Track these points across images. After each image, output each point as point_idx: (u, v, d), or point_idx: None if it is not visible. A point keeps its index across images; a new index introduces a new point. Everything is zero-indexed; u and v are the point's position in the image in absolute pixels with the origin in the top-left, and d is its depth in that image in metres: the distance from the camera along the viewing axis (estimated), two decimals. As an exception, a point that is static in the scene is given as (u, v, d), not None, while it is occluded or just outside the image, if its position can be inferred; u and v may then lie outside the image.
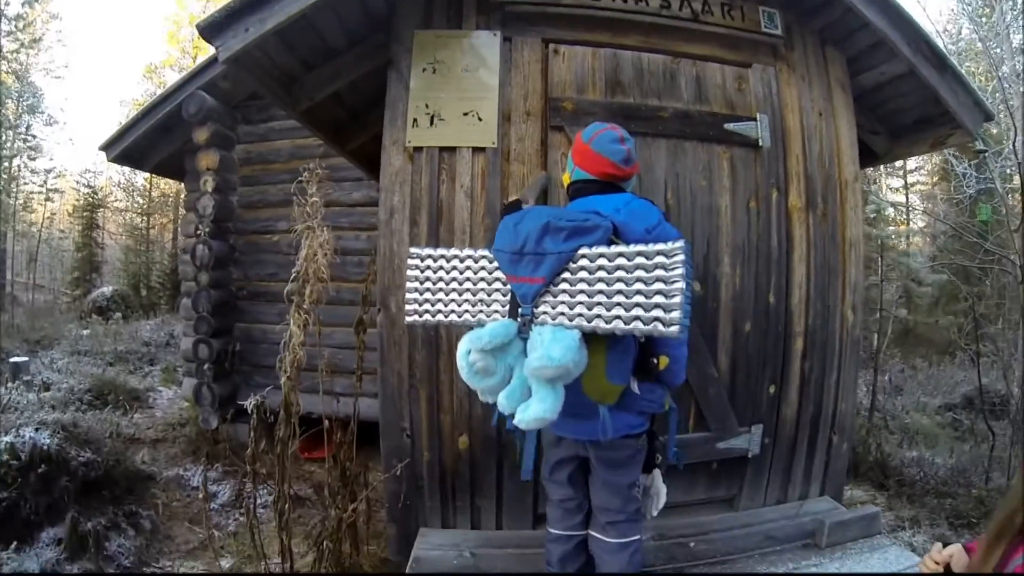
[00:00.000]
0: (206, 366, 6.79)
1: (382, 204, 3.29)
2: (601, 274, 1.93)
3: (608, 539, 2.47)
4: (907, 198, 20.17)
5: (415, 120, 3.28)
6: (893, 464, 6.36)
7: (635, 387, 2.22)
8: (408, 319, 2.36)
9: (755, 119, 3.59)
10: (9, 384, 7.13)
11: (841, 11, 3.68)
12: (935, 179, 19.49)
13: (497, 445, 3.29)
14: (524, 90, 3.39)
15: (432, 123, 3.27)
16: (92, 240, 19.82)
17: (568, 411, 2.01)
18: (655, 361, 2.18)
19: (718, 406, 3.50)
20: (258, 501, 4.21)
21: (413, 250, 2.39)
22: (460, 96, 3.31)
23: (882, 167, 18.50)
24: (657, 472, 2.60)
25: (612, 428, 2.19)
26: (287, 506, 3.62)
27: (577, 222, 2.03)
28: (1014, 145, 7.15)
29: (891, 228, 16.54)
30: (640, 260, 1.86)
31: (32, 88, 19.92)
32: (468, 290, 2.23)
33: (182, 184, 21.04)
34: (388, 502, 3.43)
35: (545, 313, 2.01)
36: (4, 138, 18.45)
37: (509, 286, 2.13)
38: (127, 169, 22.79)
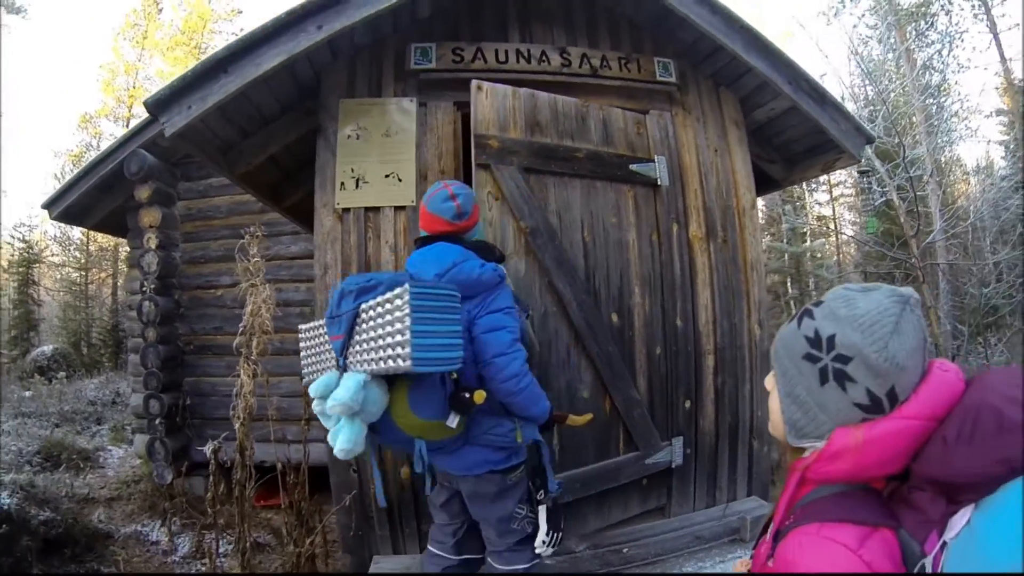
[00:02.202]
0: (158, 421, 6.80)
1: (317, 261, 3.57)
2: (369, 323, 2.19)
3: (496, 565, 2.67)
4: (834, 211, 21.11)
5: (342, 183, 3.59)
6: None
7: (452, 422, 2.26)
8: (304, 382, 2.63)
9: (654, 160, 3.95)
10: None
11: (728, 58, 4.12)
12: (857, 190, 20.49)
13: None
14: (439, 151, 3.72)
15: (358, 185, 3.58)
16: (29, 297, 19.23)
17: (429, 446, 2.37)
18: (467, 396, 2.24)
19: (642, 426, 3.78)
20: (219, 550, 4.34)
21: (300, 326, 2.71)
22: (382, 159, 3.63)
23: (805, 185, 19.44)
24: (541, 508, 2.59)
25: (466, 463, 2.47)
26: (248, 544, 3.79)
27: (361, 284, 2.29)
28: (903, 161, 7.81)
29: (818, 242, 17.44)
30: (383, 307, 2.13)
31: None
32: (323, 351, 2.50)
33: (121, 237, 20.68)
34: (341, 534, 3.65)
35: (351, 363, 2.25)
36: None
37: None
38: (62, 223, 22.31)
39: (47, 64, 54.73)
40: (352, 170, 3.59)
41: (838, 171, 20.21)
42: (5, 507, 4.70)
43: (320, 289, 3.55)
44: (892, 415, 1.01)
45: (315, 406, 2.26)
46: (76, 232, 22.36)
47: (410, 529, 3.62)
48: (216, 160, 3.87)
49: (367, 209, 3.62)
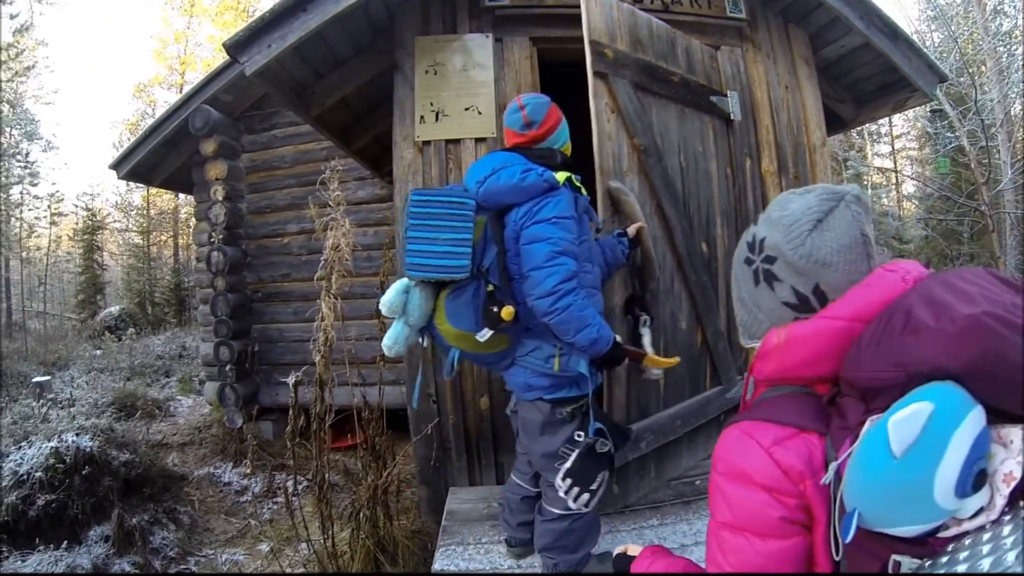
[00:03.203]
0: (228, 367, 7.06)
1: (397, 193, 3.66)
2: None
3: (542, 503, 2.64)
4: (895, 163, 20.50)
5: (422, 117, 3.64)
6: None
7: (482, 335, 2.27)
8: None
9: (727, 95, 3.91)
10: (34, 403, 7.36)
11: (797, -7, 4.02)
12: (921, 143, 19.86)
13: (516, 402, 3.62)
14: (517, 84, 3.73)
15: (437, 119, 3.64)
16: (94, 262, 19.87)
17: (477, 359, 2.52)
18: (495, 309, 2.22)
19: (725, 359, 3.80)
20: (291, 490, 4.49)
21: None
22: (460, 93, 3.67)
23: (867, 135, 18.89)
24: (575, 450, 2.39)
25: (518, 384, 2.50)
26: (326, 477, 3.91)
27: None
28: (976, 104, 7.56)
29: (880, 191, 17.02)
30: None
31: (28, 115, 20.05)
32: None
33: (179, 201, 21.20)
34: (419, 465, 3.76)
35: None
36: (5, 166, 18.62)
37: None
38: (123, 189, 23.02)
39: (100, 39, 55.96)
40: (431, 104, 3.65)
41: (900, 125, 19.70)
42: (88, 449, 4.92)
43: (400, 221, 3.59)
44: (817, 315, 1.02)
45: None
46: (136, 198, 23.07)
47: (487, 461, 3.73)
48: (292, 100, 3.96)
49: (448, 141, 3.68)
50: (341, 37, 3.75)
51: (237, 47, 3.39)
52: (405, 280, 2.35)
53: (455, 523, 3.35)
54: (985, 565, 0.66)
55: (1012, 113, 13.02)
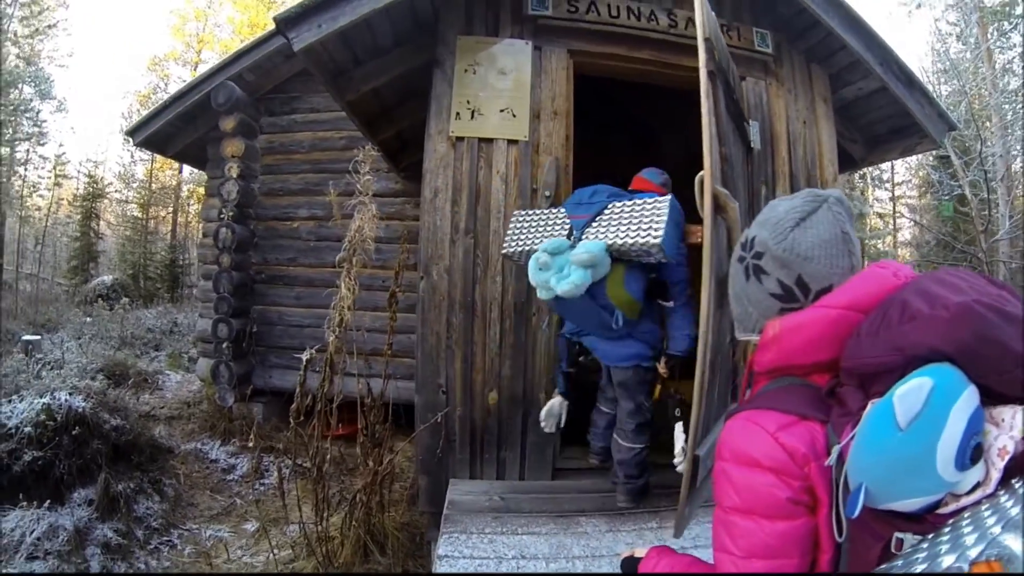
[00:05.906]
0: (225, 345, 7.03)
1: (426, 184, 3.75)
2: (618, 214, 3.04)
3: (620, 441, 3.42)
4: (894, 207, 20.76)
5: (458, 113, 3.75)
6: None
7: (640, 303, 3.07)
8: (504, 251, 3.39)
9: (749, 124, 4.00)
10: (25, 358, 7.30)
11: (823, 33, 4.19)
12: (920, 192, 20.11)
13: (523, 400, 3.73)
14: (552, 93, 3.86)
15: (472, 117, 3.75)
16: (91, 230, 19.74)
17: (598, 333, 3.21)
18: (663, 285, 3.14)
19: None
20: (283, 471, 4.47)
21: (515, 212, 3.49)
22: (497, 95, 3.79)
23: (869, 179, 19.13)
24: (677, 425, 3.23)
25: (624, 354, 3.25)
26: (327, 457, 3.93)
27: (611, 191, 3.21)
28: (980, 155, 7.74)
29: (879, 231, 17.25)
30: (641, 208, 3.00)
31: (43, 74, 19.91)
32: (537, 229, 3.27)
33: (182, 177, 21.11)
34: (422, 454, 3.79)
35: (587, 236, 3.03)
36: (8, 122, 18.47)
37: (569, 223, 3.16)
38: (127, 161, 22.96)
39: (117, 7, 55.80)
40: (468, 102, 3.76)
41: (902, 172, 19.95)
42: (80, 410, 4.88)
43: (429, 211, 3.73)
44: (813, 305, 1.10)
45: (539, 256, 2.95)
46: (140, 170, 23.00)
47: (489, 455, 3.78)
48: (329, 82, 4.07)
49: (481, 139, 3.79)
50: (386, 27, 3.86)
51: (287, 22, 3.50)
52: (604, 242, 2.93)
53: (457, 512, 3.39)
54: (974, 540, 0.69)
55: (1013, 169, 13.28)
